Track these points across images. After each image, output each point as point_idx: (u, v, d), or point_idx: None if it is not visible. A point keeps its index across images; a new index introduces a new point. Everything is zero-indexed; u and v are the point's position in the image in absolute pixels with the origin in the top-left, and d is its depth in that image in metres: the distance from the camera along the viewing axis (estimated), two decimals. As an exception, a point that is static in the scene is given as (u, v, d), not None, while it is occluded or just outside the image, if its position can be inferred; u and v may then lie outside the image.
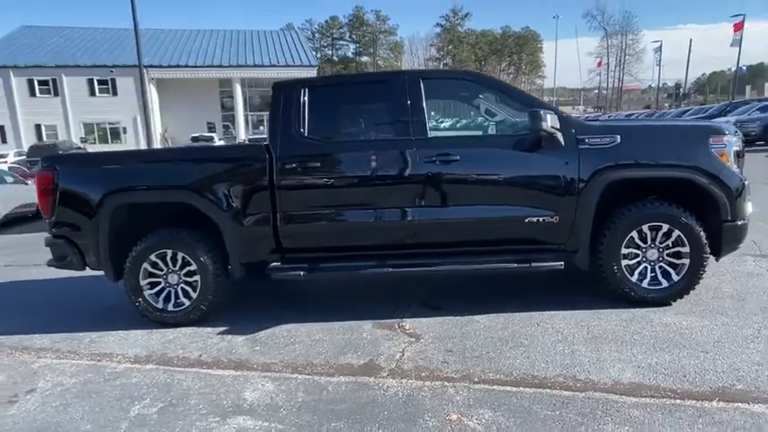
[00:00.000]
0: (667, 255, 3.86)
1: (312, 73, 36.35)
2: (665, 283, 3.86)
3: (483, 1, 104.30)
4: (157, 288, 4.19)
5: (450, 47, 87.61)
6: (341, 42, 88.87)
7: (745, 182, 3.81)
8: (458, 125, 4.53)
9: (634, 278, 3.87)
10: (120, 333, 4.09)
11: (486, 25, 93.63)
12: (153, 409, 2.87)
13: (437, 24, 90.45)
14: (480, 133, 4.44)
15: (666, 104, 58.09)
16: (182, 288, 4.18)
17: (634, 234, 3.83)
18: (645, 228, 3.82)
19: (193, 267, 4.10)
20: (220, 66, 36.04)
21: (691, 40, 49.94)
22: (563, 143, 3.75)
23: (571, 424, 2.47)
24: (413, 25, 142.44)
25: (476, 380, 2.97)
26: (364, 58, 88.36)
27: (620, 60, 77.05)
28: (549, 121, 3.64)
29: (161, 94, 35.99)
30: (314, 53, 42.03)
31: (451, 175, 3.88)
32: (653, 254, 3.88)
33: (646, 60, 72.15)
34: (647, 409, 2.55)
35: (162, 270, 4.17)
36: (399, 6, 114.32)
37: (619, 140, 3.77)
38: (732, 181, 3.74)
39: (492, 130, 4.28)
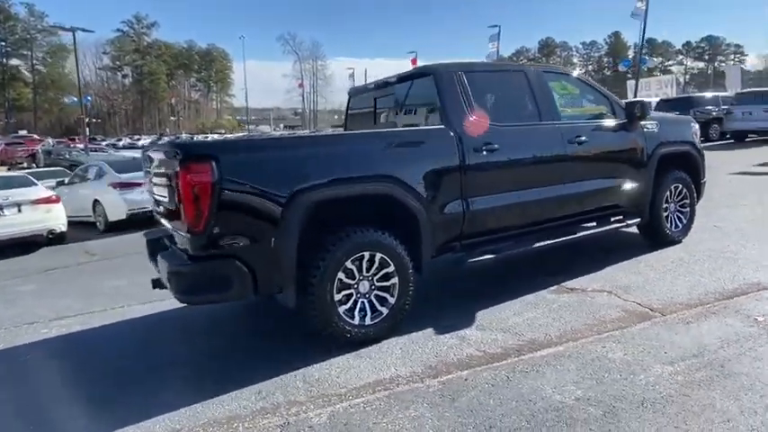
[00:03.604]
0: (679, 206, 5.51)
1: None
2: (680, 226, 5.50)
3: (168, 13, 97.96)
4: (351, 301, 3.46)
5: (132, 56, 79.27)
6: (-26, 38, 69.19)
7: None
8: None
9: (669, 225, 5.38)
10: (325, 365, 3.24)
11: (172, 38, 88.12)
12: (665, 390, 2.69)
13: (117, 30, 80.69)
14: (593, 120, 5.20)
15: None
16: (375, 295, 3.56)
17: (668, 193, 5.33)
18: (672, 187, 5.36)
19: (390, 269, 3.57)
20: None
21: (366, 69, 59.52)
22: (638, 127, 4.96)
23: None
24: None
25: (719, 298, 3.85)
26: (14, 61, 71.36)
27: (313, 83, 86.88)
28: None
29: None
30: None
31: (583, 154, 4.58)
32: (672, 206, 5.46)
33: (335, 84, 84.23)
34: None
35: (354, 278, 3.46)
36: (58, 5, 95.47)
37: (659, 126, 5.20)
38: (702, 153, 5.66)
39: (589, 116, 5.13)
